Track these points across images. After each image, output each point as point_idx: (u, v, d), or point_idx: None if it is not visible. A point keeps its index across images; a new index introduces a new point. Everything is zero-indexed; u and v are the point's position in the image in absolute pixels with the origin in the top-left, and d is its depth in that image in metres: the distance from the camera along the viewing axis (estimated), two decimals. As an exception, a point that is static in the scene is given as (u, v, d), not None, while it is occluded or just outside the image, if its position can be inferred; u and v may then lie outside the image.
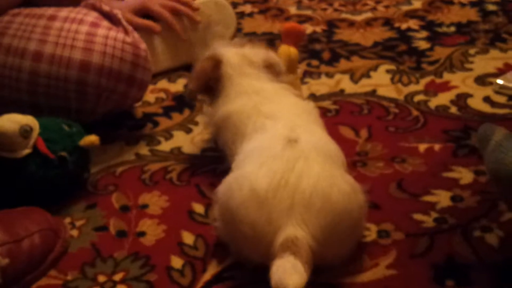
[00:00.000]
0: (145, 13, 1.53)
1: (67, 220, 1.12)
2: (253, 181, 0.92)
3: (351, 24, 1.77)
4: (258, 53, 1.18)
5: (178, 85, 1.51)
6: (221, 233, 1.01)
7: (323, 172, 0.93)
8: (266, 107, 1.07)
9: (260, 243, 0.91)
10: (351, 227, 0.95)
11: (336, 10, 1.87)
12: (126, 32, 1.30)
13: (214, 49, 1.20)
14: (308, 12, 1.87)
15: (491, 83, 1.44)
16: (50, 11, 1.30)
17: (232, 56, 1.16)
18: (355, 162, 1.20)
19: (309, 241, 0.89)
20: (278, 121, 1.03)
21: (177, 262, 1.01)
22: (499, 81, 1.42)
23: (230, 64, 1.16)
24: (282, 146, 0.96)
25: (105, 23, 1.29)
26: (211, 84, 1.17)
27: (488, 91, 1.42)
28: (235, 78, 1.14)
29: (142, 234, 1.08)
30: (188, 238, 1.06)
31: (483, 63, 1.53)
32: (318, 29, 1.76)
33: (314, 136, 1.00)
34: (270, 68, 1.17)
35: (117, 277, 1.00)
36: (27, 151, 1.11)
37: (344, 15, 1.83)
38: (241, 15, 1.86)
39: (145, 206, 1.14)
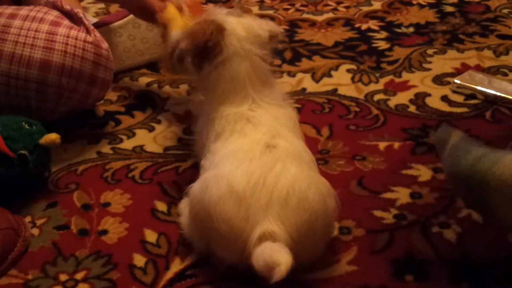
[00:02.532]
0: None
1: (28, 219, 1.11)
2: (231, 179, 0.92)
3: (313, 24, 1.79)
4: (262, 24, 1.10)
5: (141, 84, 1.50)
6: (189, 231, 1.01)
7: (301, 173, 0.94)
8: (252, 113, 1.04)
9: (236, 240, 0.91)
10: (325, 227, 0.96)
11: (298, 10, 1.88)
12: (87, 31, 1.29)
13: (212, 14, 1.11)
14: (270, 12, 1.88)
15: (448, 83, 1.47)
16: (9, 9, 1.28)
17: (237, 26, 1.08)
18: (316, 160, 1.21)
19: (286, 238, 0.90)
20: (260, 126, 1.02)
21: (139, 260, 1.01)
22: (457, 81, 1.45)
23: (235, 35, 1.07)
24: (261, 151, 0.96)
25: (66, 22, 1.28)
26: (208, 49, 1.07)
27: (446, 90, 1.44)
28: (238, 56, 1.06)
29: (104, 232, 1.07)
30: (150, 236, 1.06)
31: (441, 63, 1.56)
32: (281, 30, 1.76)
33: (292, 145, 1.00)
34: (272, 39, 1.11)
35: (79, 275, 0.99)
36: (-14, 149, 1.10)
37: (305, 15, 1.85)
38: None
39: (107, 204, 1.14)
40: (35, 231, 1.08)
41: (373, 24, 1.78)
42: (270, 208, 0.90)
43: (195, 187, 0.98)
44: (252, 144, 0.98)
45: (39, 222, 1.10)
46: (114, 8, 1.88)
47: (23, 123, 1.17)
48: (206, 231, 0.95)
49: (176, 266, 1.00)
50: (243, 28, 1.08)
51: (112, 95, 1.47)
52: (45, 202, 1.15)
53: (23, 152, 1.13)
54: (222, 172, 0.95)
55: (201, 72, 1.09)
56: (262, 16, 1.84)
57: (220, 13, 1.11)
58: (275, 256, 0.86)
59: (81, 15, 1.31)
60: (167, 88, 1.50)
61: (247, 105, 1.04)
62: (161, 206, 1.13)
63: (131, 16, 1.55)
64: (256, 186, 0.91)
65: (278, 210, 0.90)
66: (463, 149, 0.93)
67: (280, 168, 0.94)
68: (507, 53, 1.59)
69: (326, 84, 1.49)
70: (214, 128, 1.04)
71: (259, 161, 0.94)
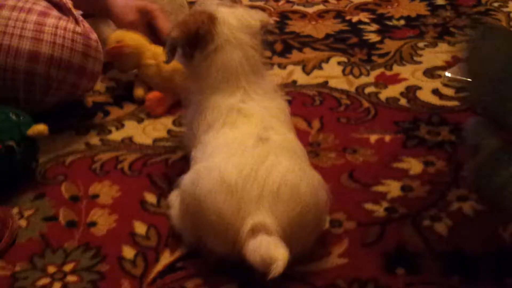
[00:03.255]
0: (146, 14, 1.45)
1: (15, 210, 1.10)
2: (222, 170, 0.92)
3: (303, 16, 1.78)
4: (252, 14, 1.10)
5: (129, 75, 1.49)
6: (179, 223, 1.00)
7: (293, 166, 0.94)
8: (244, 105, 1.03)
9: (227, 232, 0.90)
10: (316, 220, 0.95)
11: (288, 1, 1.87)
12: (76, 21, 1.28)
13: (202, 5, 1.10)
14: (261, 3, 1.87)
15: (439, 76, 1.46)
16: (-4, -1, 1.27)
17: (229, 15, 1.07)
18: (307, 153, 1.20)
19: (277, 230, 0.89)
20: (252, 119, 1.01)
21: (129, 252, 1.01)
22: (447, 74, 1.44)
23: (227, 24, 1.06)
24: (253, 143, 0.96)
25: (54, 12, 1.27)
26: (200, 37, 1.05)
27: (436, 83, 1.44)
28: (229, 45, 1.05)
29: (93, 224, 1.06)
30: (140, 228, 1.05)
31: (432, 56, 1.56)
32: (271, 20, 1.76)
33: (285, 138, 1.00)
34: (263, 29, 1.10)
35: (68, 267, 0.98)
36: (-27, 140, 1.09)
37: (296, 7, 1.84)
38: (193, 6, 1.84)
39: (95, 196, 1.13)
40: (23, 223, 1.07)
41: (364, 16, 1.77)
42: (261, 200, 0.90)
43: (186, 179, 0.97)
44: (244, 136, 0.97)
45: (26, 213, 1.09)
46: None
47: (10, 114, 1.15)
48: (197, 223, 0.94)
49: (166, 258, 0.99)
50: (234, 17, 1.07)
51: (101, 86, 1.45)
52: (33, 194, 1.14)
53: (10, 143, 1.11)
54: (214, 164, 0.94)
55: (192, 61, 1.08)
56: (252, 7, 1.83)
57: (211, 4, 1.10)
58: (272, 251, 0.85)
59: (70, 6, 1.30)
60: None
61: (239, 95, 1.03)
62: (151, 198, 1.12)
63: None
64: (248, 178, 0.91)
65: (269, 202, 0.90)
66: (498, 163, 0.88)
67: (272, 161, 0.93)
68: (497, 47, 1.59)
69: (317, 77, 1.48)
70: (206, 119, 1.03)
71: (251, 154, 0.94)
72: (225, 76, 1.05)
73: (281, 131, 1.01)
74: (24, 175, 1.17)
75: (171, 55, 1.08)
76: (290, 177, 0.92)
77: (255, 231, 0.88)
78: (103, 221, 1.07)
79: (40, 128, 1.15)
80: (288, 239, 0.89)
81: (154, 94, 1.35)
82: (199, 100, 1.07)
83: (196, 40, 1.06)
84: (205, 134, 1.02)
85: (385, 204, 1.09)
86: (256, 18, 1.09)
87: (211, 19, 1.05)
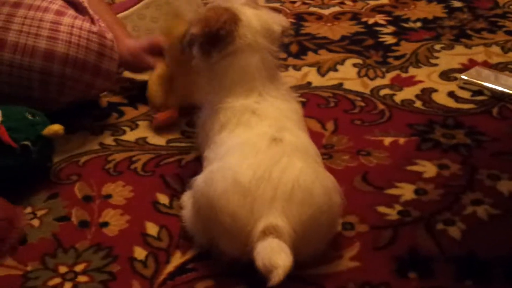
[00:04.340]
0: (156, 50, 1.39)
1: (28, 210, 1.10)
2: (237, 172, 0.91)
3: (319, 18, 1.78)
4: (275, 17, 1.08)
5: (144, 75, 1.49)
6: (192, 224, 1.00)
7: (306, 168, 0.93)
8: (258, 105, 1.02)
9: (240, 233, 0.90)
10: (329, 222, 0.95)
11: (304, 3, 1.87)
12: (92, 21, 1.28)
13: (227, 2, 1.07)
14: (277, 5, 1.87)
15: (455, 79, 1.45)
16: (14, -2, 1.28)
17: (253, 18, 1.04)
18: (321, 155, 1.20)
19: (290, 232, 0.89)
20: (266, 120, 1.00)
21: (140, 253, 1.00)
22: (464, 77, 1.43)
23: (250, 27, 1.03)
24: (267, 144, 0.95)
25: (70, 11, 1.27)
26: (220, 37, 1.03)
27: (452, 86, 1.43)
28: (250, 48, 1.03)
29: (105, 224, 1.07)
30: (152, 229, 1.05)
31: (448, 58, 1.55)
32: (289, 23, 1.75)
33: (298, 139, 0.99)
34: (283, 35, 1.08)
35: (79, 268, 0.98)
36: (-12, 139, 1.09)
37: (312, 9, 1.83)
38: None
39: (108, 196, 1.13)
40: (36, 222, 1.07)
41: (380, 18, 1.76)
42: (274, 202, 0.89)
43: (200, 180, 0.96)
44: (258, 137, 0.97)
45: (39, 213, 1.09)
46: (120, -1, 1.87)
47: (26, 113, 1.16)
48: (209, 224, 0.94)
49: (177, 259, 0.99)
50: (258, 20, 1.05)
51: (115, 86, 1.46)
52: (46, 193, 1.14)
53: (25, 143, 1.12)
54: (228, 165, 0.94)
55: (209, 61, 1.06)
56: (269, 9, 1.83)
57: (236, 2, 1.08)
58: (273, 258, 0.85)
59: (86, 5, 1.30)
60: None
61: (254, 97, 1.03)
62: (163, 198, 1.12)
63: (137, 7, 1.54)
64: (261, 180, 0.90)
65: (282, 204, 0.89)
66: None
67: (286, 162, 0.93)
68: (515, 49, 1.58)
69: (331, 78, 1.47)
70: (219, 119, 1.03)
71: (265, 155, 0.93)
72: (242, 78, 1.04)
73: (295, 132, 1.00)
74: (39, 174, 1.17)
75: (188, 49, 1.07)
76: (304, 178, 0.92)
77: (266, 233, 0.88)
78: (115, 222, 1.07)
79: (56, 128, 1.15)
80: (300, 241, 0.89)
81: (162, 115, 1.32)
82: (214, 100, 1.06)
83: (216, 39, 1.04)
84: (219, 134, 1.02)
85: (398, 207, 1.08)
86: (278, 23, 1.07)
87: (235, 20, 1.03)
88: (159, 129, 1.31)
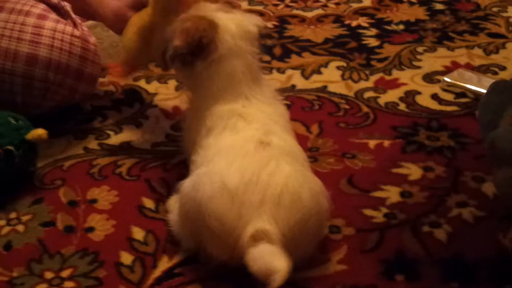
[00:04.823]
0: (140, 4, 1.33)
1: (13, 215, 1.09)
2: (224, 176, 0.91)
3: (302, 20, 1.78)
4: (249, 18, 1.08)
5: (128, 79, 1.48)
6: (179, 228, 1.00)
7: (295, 172, 0.93)
8: (245, 109, 1.02)
9: (228, 238, 0.90)
10: (317, 226, 0.95)
11: (287, 6, 1.87)
12: (74, 25, 1.28)
13: (200, 10, 1.07)
14: (260, 8, 1.87)
15: (439, 81, 1.46)
16: (-6, 2, 1.27)
17: (229, 22, 1.05)
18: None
19: (279, 236, 0.89)
20: (253, 123, 1.00)
21: (126, 258, 1.00)
22: (447, 79, 1.44)
23: (228, 32, 1.04)
24: (254, 147, 0.95)
25: (53, 15, 1.27)
26: (202, 46, 1.03)
27: (436, 88, 1.44)
28: (232, 53, 1.03)
29: (91, 229, 1.06)
30: (138, 233, 1.05)
31: (431, 61, 1.55)
32: (270, 24, 1.76)
33: (286, 143, 0.99)
34: (260, 34, 1.09)
35: (65, 273, 0.98)
36: (-29, 144, 1.08)
37: (295, 11, 1.83)
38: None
39: (93, 201, 1.12)
40: (20, 228, 1.07)
41: (363, 21, 1.77)
42: (263, 206, 0.89)
43: (187, 184, 0.96)
44: (245, 141, 0.97)
45: (24, 218, 1.09)
46: None
47: (10, 118, 1.15)
48: (197, 228, 0.94)
49: (164, 264, 0.99)
50: (234, 24, 1.05)
51: (99, 90, 1.45)
52: (31, 198, 1.13)
53: (9, 147, 1.11)
54: (215, 169, 0.94)
55: (192, 71, 1.05)
56: (251, 12, 1.82)
57: (209, 9, 1.08)
58: (272, 262, 0.85)
59: (68, 9, 1.30)
60: (155, 83, 1.48)
61: (241, 102, 1.03)
62: (149, 203, 1.11)
63: None
64: (249, 184, 0.90)
65: (271, 208, 0.90)
66: None
67: (274, 166, 0.93)
68: (497, 52, 1.59)
69: (315, 81, 1.48)
70: (206, 124, 1.02)
71: (252, 158, 0.93)
72: (229, 84, 1.04)
73: (282, 136, 1.00)
74: (22, 179, 1.16)
75: (171, 64, 1.07)
76: (292, 183, 0.92)
77: (256, 238, 0.88)
78: (101, 227, 1.06)
79: (39, 132, 1.14)
80: (288, 246, 0.89)
81: (119, 69, 1.27)
82: (200, 106, 1.06)
83: (199, 49, 1.03)
84: (206, 138, 1.01)
85: (384, 210, 1.08)
86: (253, 23, 1.08)
87: (213, 26, 1.03)
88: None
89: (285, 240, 0.89)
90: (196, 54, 1.04)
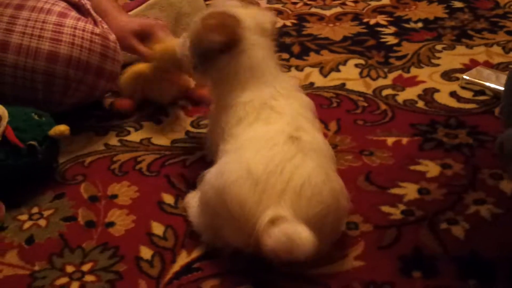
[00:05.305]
0: (144, 36, 1.38)
1: (35, 210, 1.11)
2: (250, 163, 0.93)
3: (321, 18, 1.78)
4: (264, 15, 1.11)
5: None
6: (198, 218, 1.01)
7: (318, 168, 0.95)
8: (276, 102, 1.03)
9: (247, 223, 0.91)
10: (334, 223, 0.96)
11: (306, 4, 1.88)
12: (95, 22, 1.29)
13: (220, 6, 1.10)
14: (279, 6, 1.87)
15: (457, 79, 1.46)
16: (17, 0, 1.28)
17: (247, 18, 1.07)
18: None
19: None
20: (284, 117, 1.01)
21: (146, 252, 1.01)
22: (465, 77, 1.44)
23: (248, 26, 1.07)
24: (284, 140, 0.96)
25: (73, 13, 1.28)
26: (236, 39, 1.05)
27: (454, 86, 1.44)
28: (254, 46, 1.06)
29: (111, 224, 1.07)
30: (157, 228, 1.06)
31: (450, 58, 1.55)
32: (288, 22, 1.76)
33: (315, 140, 1.00)
34: (273, 30, 1.11)
35: (86, 267, 0.99)
36: (-5, 139, 1.10)
37: (314, 10, 1.84)
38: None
39: (114, 196, 1.14)
40: (42, 222, 1.08)
41: (381, 19, 1.77)
42: (284, 195, 0.91)
43: (212, 171, 0.98)
44: (275, 133, 0.98)
45: (46, 213, 1.10)
46: (122, 0, 1.88)
47: (33, 114, 1.17)
48: (216, 214, 0.95)
49: (183, 259, 1.00)
50: (252, 19, 1.07)
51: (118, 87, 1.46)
52: (52, 194, 1.15)
53: (32, 142, 1.13)
54: (242, 157, 0.95)
55: (216, 65, 1.07)
56: (270, 9, 1.83)
57: (228, 5, 1.10)
58: (296, 234, 0.86)
59: (89, 6, 1.31)
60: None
61: (269, 91, 1.04)
62: (168, 198, 1.13)
63: (140, 8, 1.55)
64: (273, 173, 0.92)
65: (291, 198, 0.91)
66: None
67: (299, 159, 0.94)
68: (516, 50, 1.58)
69: (334, 79, 1.48)
70: (237, 112, 1.04)
71: (280, 150, 0.95)
72: (253, 74, 1.06)
73: (312, 133, 1.01)
74: (45, 175, 1.18)
75: (200, 61, 1.09)
76: (315, 177, 0.93)
77: (275, 222, 0.89)
78: (121, 222, 1.08)
79: (62, 128, 1.16)
80: None
81: (122, 103, 1.39)
82: (227, 97, 1.07)
83: (232, 43, 1.05)
84: (236, 127, 1.03)
85: (401, 207, 1.09)
86: (268, 20, 1.10)
87: (238, 22, 1.06)
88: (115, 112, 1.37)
89: None
90: (226, 48, 1.06)
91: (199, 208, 1.00)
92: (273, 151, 0.94)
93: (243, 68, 1.06)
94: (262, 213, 0.90)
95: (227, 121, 1.04)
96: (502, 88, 1.38)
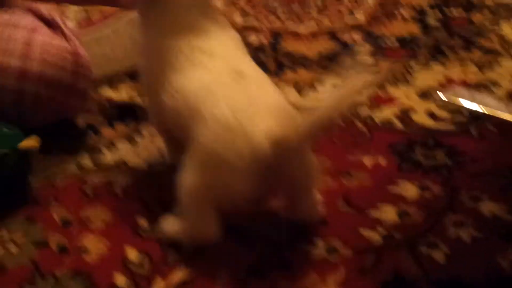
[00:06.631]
0: None
1: (3, 232, 1.08)
2: (219, 119, 0.96)
3: (296, 35, 1.77)
4: None
5: (122, 93, 1.47)
6: (193, 198, 1.00)
7: (277, 91, 1.04)
8: (202, 42, 1.06)
9: (250, 164, 0.94)
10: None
11: (281, 21, 1.86)
12: (66, 38, 1.26)
13: None
14: (255, 23, 1.85)
15: (433, 97, 1.45)
16: (-13, 16, 1.25)
17: None
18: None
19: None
20: (217, 57, 1.05)
21: (121, 280, 0.99)
22: (442, 96, 1.43)
23: None
24: (232, 79, 1.01)
25: (44, 29, 1.26)
26: None
27: (431, 105, 1.43)
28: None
29: (84, 250, 1.05)
30: (132, 254, 1.04)
31: (426, 77, 1.55)
32: (264, 40, 1.75)
33: (254, 69, 1.07)
34: None
35: (58, 295, 0.97)
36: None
37: (289, 26, 1.82)
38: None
39: (87, 220, 1.11)
40: (13, 248, 1.05)
41: (356, 36, 1.76)
42: (261, 118, 0.96)
43: (204, 137, 0.98)
44: (220, 76, 1.02)
45: (16, 237, 1.07)
46: (95, 15, 1.84)
47: (1, 126, 1.15)
48: (217, 175, 0.97)
49: (159, 286, 0.97)
50: None
51: (92, 105, 1.43)
52: (23, 216, 1.12)
53: (3, 150, 1.10)
54: (208, 115, 0.98)
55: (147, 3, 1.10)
56: (245, 27, 1.82)
57: None
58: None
59: (60, 22, 1.28)
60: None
61: (196, 34, 1.06)
62: (143, 222, 1.10)
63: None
64: (242, 111, 0.96)
65: (271, 120, 0.95)
66: None
67: (256, 89, 1.01)
68: (491, 68, 1.58)
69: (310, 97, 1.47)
70: (168, 58, 1.06)
71: (235, 89, 1.00)
72: (182, 13, 1.07)
73: (249, 64, 1.07)
74: (15, 196, 1.15)
75: None
76: (279, 98, 1.02)
77: (269, 136, 0.93)
78: (94, 247, 1.05)
79: (32, 141, 1.14)
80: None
81: None
82: (155, 40, 1.08)
83: None
84: (173, 75, 1.05)
85: (381, 230, 1.08)
86: None
87: None
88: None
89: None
90: None
91: (197, 178, 0.99)
92: (229, 94, 0.99)
93: (171, 8, 1.07)
94: (253, 136, 0.94)
95: (161, 68, 1.07)
96: (478, 108, 1.38)
